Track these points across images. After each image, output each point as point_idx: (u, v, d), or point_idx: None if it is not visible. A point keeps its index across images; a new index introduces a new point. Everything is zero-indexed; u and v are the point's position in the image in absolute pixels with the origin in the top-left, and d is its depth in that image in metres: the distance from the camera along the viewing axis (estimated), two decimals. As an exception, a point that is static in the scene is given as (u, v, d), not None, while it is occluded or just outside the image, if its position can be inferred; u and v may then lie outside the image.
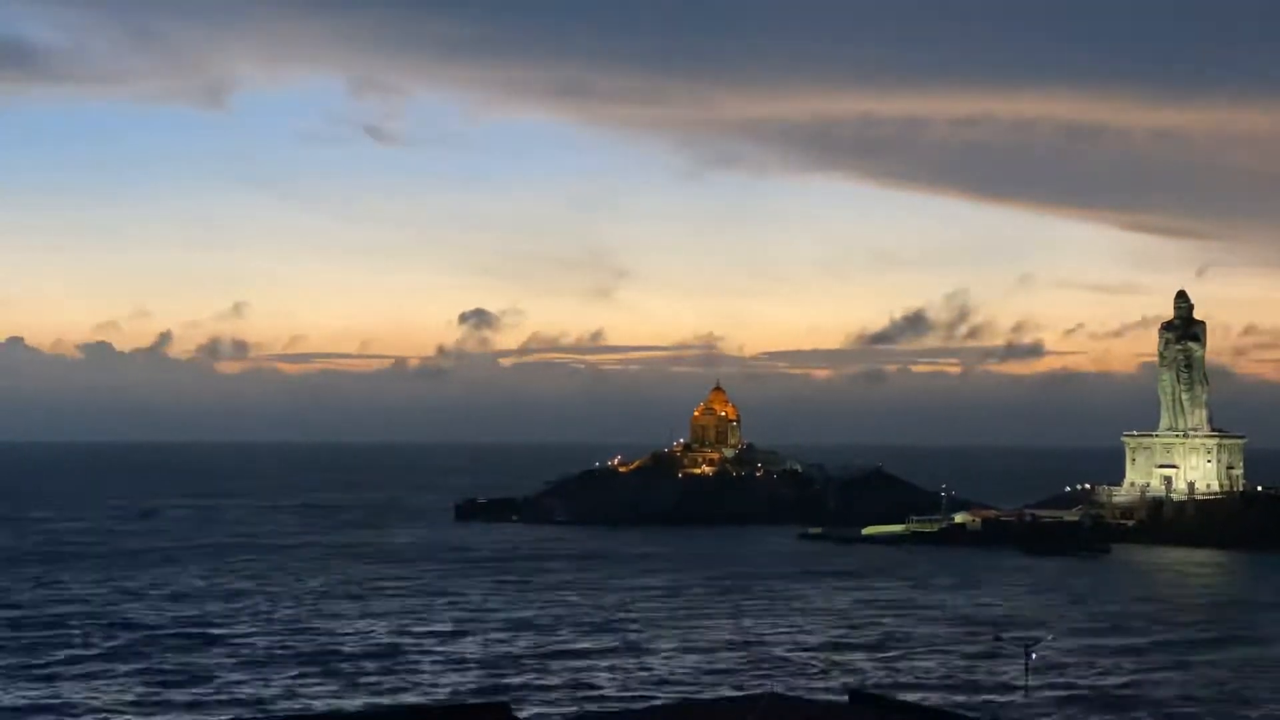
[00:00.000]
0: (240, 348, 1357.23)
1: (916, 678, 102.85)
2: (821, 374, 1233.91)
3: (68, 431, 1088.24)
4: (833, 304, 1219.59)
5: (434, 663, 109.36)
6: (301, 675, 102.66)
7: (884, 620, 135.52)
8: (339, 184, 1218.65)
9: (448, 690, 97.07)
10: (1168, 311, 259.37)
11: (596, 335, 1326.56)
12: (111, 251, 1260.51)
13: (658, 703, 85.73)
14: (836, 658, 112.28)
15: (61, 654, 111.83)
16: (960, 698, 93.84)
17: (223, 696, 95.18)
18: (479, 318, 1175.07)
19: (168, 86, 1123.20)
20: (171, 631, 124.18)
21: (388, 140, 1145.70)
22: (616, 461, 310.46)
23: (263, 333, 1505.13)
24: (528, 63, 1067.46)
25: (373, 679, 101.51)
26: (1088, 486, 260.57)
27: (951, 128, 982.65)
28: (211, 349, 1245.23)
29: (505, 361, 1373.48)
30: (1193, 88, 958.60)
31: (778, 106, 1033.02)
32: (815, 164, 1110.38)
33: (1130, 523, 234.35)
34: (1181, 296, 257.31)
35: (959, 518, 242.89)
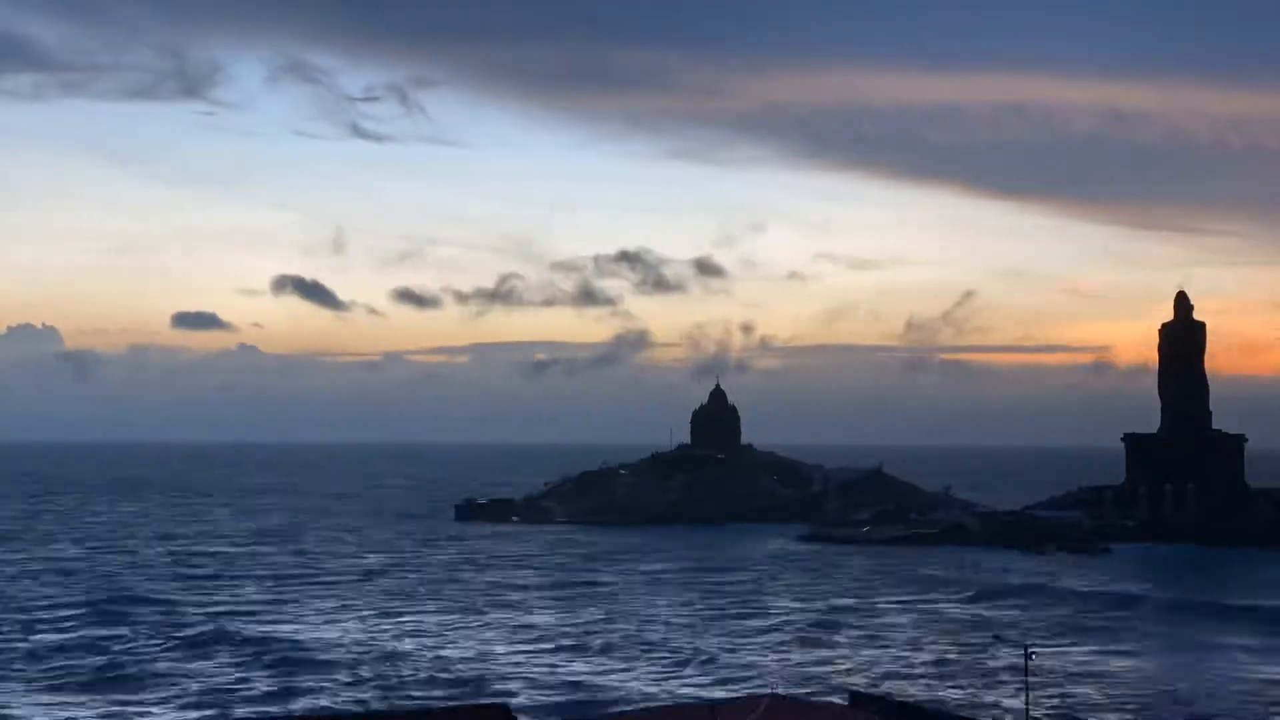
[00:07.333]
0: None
1: (915, 678, 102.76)
2: (828, 371, 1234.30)
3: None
4: (834, 300, 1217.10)
5: (433, 662, 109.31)
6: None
7: (884, 620, 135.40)
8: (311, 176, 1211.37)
9: (448, 690, 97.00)
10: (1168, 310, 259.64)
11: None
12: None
13: (659, 703, 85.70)
14: (837, 658, 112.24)
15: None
16: (959, 698, 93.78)
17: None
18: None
19: (146, 78, 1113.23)
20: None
21: (371, 135, 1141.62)
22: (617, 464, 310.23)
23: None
24: (522, 51, 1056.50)
25: (372, 679, 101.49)
26: (1088, 486, 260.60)
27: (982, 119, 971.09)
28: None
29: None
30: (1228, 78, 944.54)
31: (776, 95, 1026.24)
32: (811, 155, 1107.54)
33: (1130, 523, 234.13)
34: (1181, 297, 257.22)
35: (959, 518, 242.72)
